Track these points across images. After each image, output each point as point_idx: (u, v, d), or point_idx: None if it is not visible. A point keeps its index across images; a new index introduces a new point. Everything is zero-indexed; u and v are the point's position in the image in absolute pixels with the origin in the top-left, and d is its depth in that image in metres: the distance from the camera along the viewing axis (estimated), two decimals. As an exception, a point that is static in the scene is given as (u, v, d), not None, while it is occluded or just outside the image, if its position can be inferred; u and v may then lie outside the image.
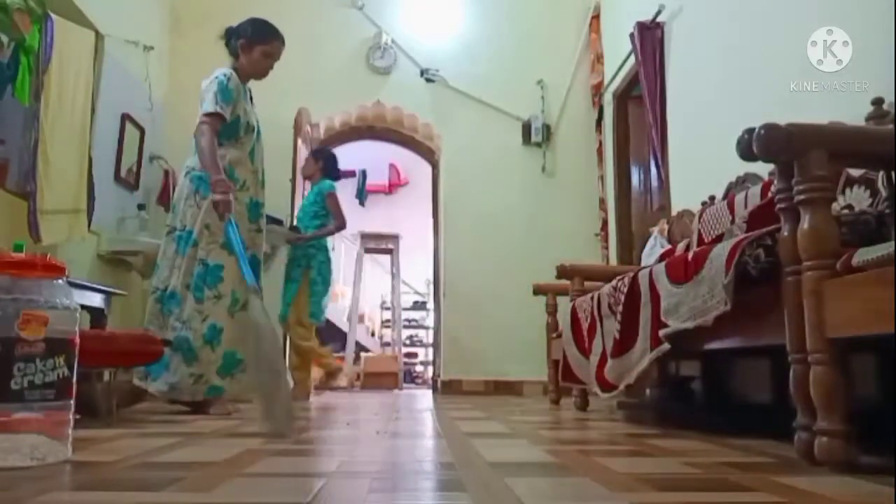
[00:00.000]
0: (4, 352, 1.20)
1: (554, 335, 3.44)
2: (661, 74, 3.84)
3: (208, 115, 2.61)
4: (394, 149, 6.15)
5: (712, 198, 2.88)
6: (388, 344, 8.97)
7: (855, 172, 1.85)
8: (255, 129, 2.84)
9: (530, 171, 5.17)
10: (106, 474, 1.18)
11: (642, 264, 3.01)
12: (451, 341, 5.05)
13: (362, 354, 7.70)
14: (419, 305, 9.39)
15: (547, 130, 5.18)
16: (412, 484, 1.17)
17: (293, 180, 4.60)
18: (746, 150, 1.36)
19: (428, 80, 5.17)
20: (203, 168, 2.61)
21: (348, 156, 7.96)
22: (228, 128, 2.70)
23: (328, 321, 7.94)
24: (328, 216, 4.14)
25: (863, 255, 1.20)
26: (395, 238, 7.89)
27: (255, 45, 2.78)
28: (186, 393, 2.60)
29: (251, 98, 2.89)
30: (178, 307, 2.61)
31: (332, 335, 7.99)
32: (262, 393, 2.06)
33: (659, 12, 3.84)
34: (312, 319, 4.00)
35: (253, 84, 2.91)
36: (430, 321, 8.11)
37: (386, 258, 8.31)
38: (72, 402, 1.30)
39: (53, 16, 3.22)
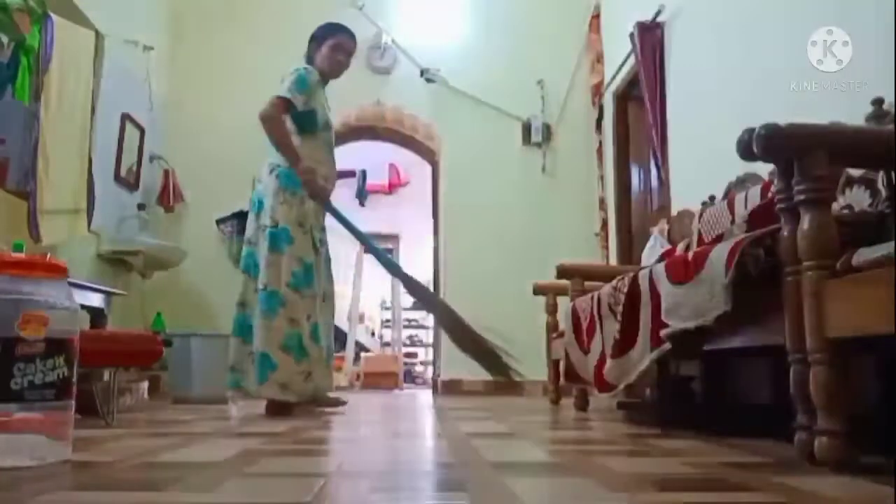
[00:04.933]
0: (4, 352, 1.20)
1: (554, 335, 3.44)
2: (661, 74, 3.84)
3: (278, 97, 2.65)
4: (394, 149, 6.14)
5: (712, 198, 2.87)
6: (388, 344, 8.98)
7: (855, 172, 1.85)
8: (332, 128, 2.92)
9: (530, 171, 5.17)
10: (106, 474, 1.18)
11: (642, 264, 3.00)
12: (451, 341, 5.03)
13: (362, 354, 7.70)
14: (419, 305, 9.39)
15: (547, 130, 5.18)
16: (412, 484, 1.17)
17: (293, 180, 4.60)
18: (746, 150, 1.36)
19: (428, 80, 5.17)
20: (283, 158, 2.66)
21: (348, 156, 7.98)
22: (307, 121, 2.74)
23: (328, 321, 7.97)
24: None
25: (863, 255, 1.20)
26: (395, 238, 7.90)
27: (324, 41, 2.88)
28: (296, 393, 2.58)
29: (327, 99, 2.96)
30: (283, 307, 2.58)
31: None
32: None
33: (659, 12, 3.84)
34: None
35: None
36: (430, 321, 8.10)
37: (386, 258, 8.31)
38: (72, 402, 1.30)
39: (53, 16, 3.22)
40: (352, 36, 2.97)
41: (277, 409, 2.61)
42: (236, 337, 2.69)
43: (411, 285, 2.97)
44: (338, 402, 2.80)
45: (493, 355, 2.72)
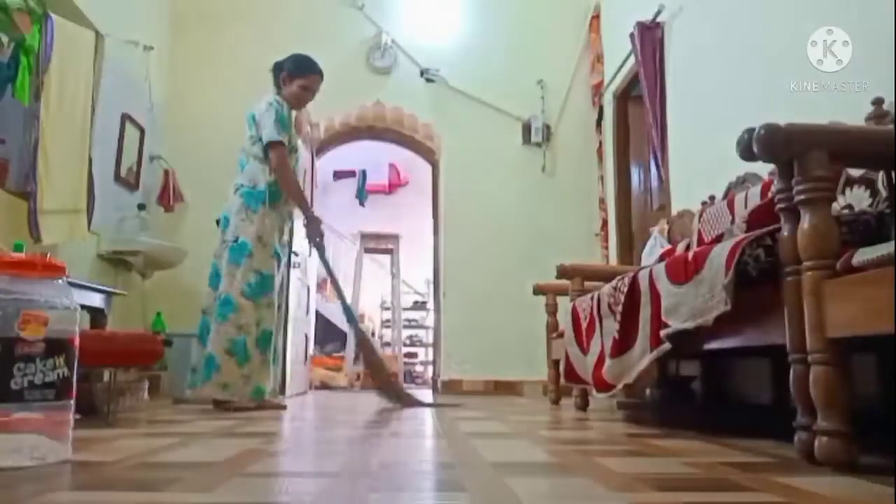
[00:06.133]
0: (4, 352, 1.20)
1: (554, 335, 3.44)
2: (661, 74, 3.84)
3: (276, 143, 2.91)
4: (394, 149, 6.14)
5: (712, 198, 2.87)
6: (388, 344, 8.97)
7: (855, 172, 1.85)
8: (297, 150, 3.15)
9: (530, 171, 5.17)
10: (106, 474, 1.18)
11: (642, 264, 3.00)
12: (451, 341, 5.05)
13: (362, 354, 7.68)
14: (419, 305, 9.38)
15: (547, 130, 5.18)
16: (412, 484, 1.17)
17: (293, 180, 4.60)
18: (746, 150, 1.36)
19: (428, 80, 5.17)
20: (294, 200, 3.03)
21: (348, 156, 7.97)
22: None
23: (328, 321, 7.98)
24: None
25: (863, 255, 1.20)
26: (395, 238, 7.89)
27: (295, 78, 3.04)
28: (238, 394, 2.80)
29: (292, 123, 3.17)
30: (234, 313, 2.82)
31: (333, 335, 8.00)
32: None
33: (659, 12, 3.84)
34: None
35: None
36: (430, 321, 8.10)
37: (386, 258, 8.31)
38: (72, 402, 1.30)
39: (53, 16, 3.22)
40: (321, 76, 3.12)
41: (219, 405, 2.82)
42: (198, 340, 2.93)
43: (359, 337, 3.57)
44: (279, 406, 2.98)
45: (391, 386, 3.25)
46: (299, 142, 3.19)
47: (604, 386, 2.28)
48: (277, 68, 3.09)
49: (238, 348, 2.79)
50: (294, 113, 3.14)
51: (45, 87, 3.15)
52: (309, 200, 3.01)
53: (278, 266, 3.00)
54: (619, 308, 2.18)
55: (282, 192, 2.98)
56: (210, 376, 2.77)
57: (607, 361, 2.25)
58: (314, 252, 4.68)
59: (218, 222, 4.96)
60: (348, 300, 3.32)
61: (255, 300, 2.85)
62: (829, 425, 1.21)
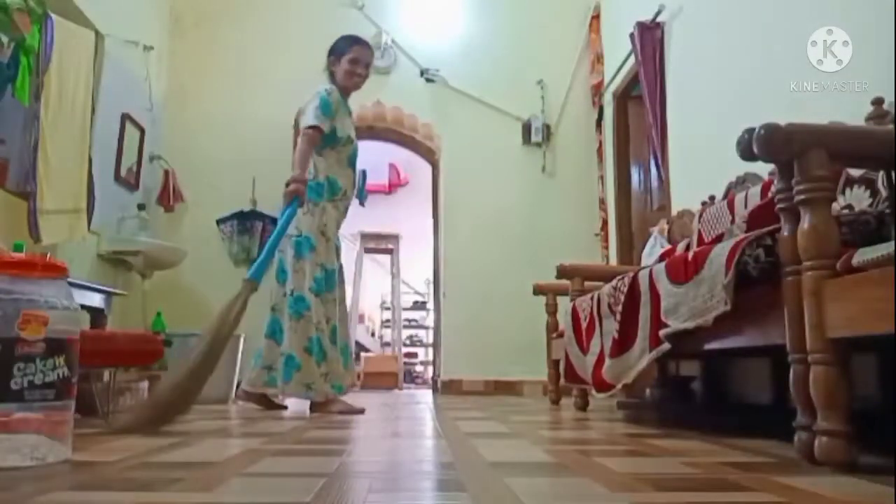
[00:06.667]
0: (4, 352, 1.20)
1: (554, 335, 3.44)
2: (661, 74, 3.84)
3: (309, 127, 2.83)
4: (394, 149, 6.14)
5: (712, 198, 2.87)
6: (388, 344, 8.98)
7: (855, 172, 1.85)
8: (354, 141, 3.04)
9: (530, 171, 5.17)
10: (106, 474, 1.18)
11: (642, 264, 3.00)
12: (451, 341, 5.05)
13: (362, 354, 7.70)
14: (419, 305, 9.39)
15: (547, 130, 5.18)
16: (412, 484, 1.17)
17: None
18: (746, 150, 1.36)
19: (428, 80, 5.17)
20: (294, 166, 2.83)
21: (348, 156, 7.97)
22: (329, 138, 2.90)
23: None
24: None
25: (863, 255, 1.20)
26: (395, 238, 7.89)
27: (342, 55, 2.99)
28: (320, 393, 2.78)
29: (350, 112, 3.09)
30: (308, 310, 2.79)
31: (332, 335, 7.99)
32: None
33: (659, 12, 3.84)
34: None
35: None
36: (430, 321, 8.10)
37: (386, 258, 8.32)
38: (72, 402, 1.30)
39: (53, 16, 3.22)
40: (368, 46, 3.09)
41: (318, 407, 2.80)
42: (268, 339, 2.88)
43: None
44: (353, 410, 2.85)
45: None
46: (353, 131, 3.05)
47: (604, 386, 2.28)
48: (328, 56, 3.06)
49: (315, 346, 2.77)
50: (347, 100, 3.04)
51: (45, 87, 3.15)
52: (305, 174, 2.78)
53: (337, 258, 2.98)
54: (619, 308, 2.18)
55: (341, 186, 2.95)
56: (291, 376, 2.74)
57: (607, 361, 2.25)
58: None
59: (218, 221, 4.98)
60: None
61: (321, 296, 2.83)
62: (829, 425, 1.21)
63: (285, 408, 3.00)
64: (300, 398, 2.82)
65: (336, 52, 3.02)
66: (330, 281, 2.87)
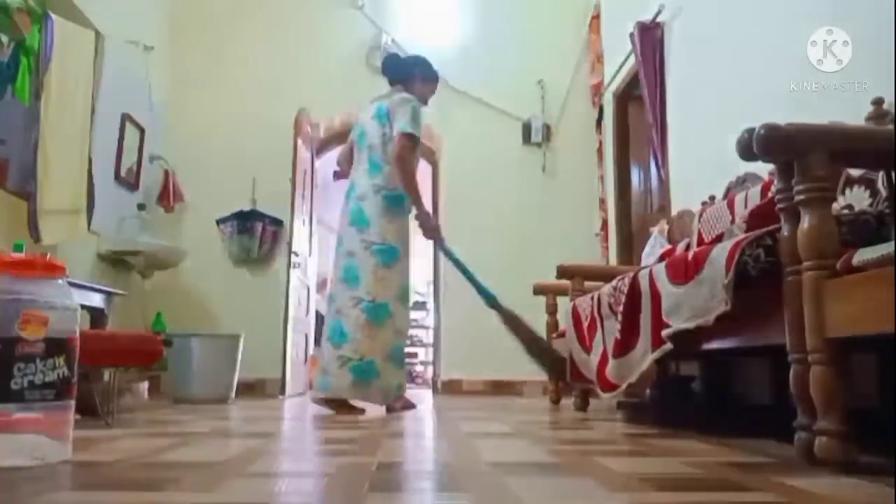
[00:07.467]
0: (4, 352, 1.20)
1: (554, 335, 3.44)
2: (661, 74, 3.84)
3: (410, 136, 2.83)
4: (394, 149, 6.13)
5: (712, 198, 2.87)
6: (387, 344, 8.97)
7: (855, 172, 1.85)
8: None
9: (530, 171, 5.17)
10: (106, 474, 1.18)
11: (642, 264, 3.00)
12: (451, 341, 5.05)
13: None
14: (419, 305, 9.38)
15: (547, 130, 5.18)
16: (412, 484, 1.17)
17: (293, 180, 4.59)
18: (746, 150, 1.36)
19: (428, 80, 5.16)
20: (409, 193, 2.87)
21: (348, 156, 7.95)
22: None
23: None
24: None
25: (863, 255, 1.20)
26: (394, 238, 7.87)
27: (428, 83, 3.14)
28: (392, 397, 2.81)
29: None
30: (391, 318, 2.79)
31: (332, 335, 7.99)
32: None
33: (659, 12, 3.84)
34: None
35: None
36: (430, 321, 8.10)
37: (386, 258, 8.29)
38: (72, 402, 1.30)
39: (53, 16, 3.22)
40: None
41: (390, 408, 2.82)
42: (330, 343, 2.82)
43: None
44: (412, 405, 2.98)
45: (547, 353, 3.07)
46: None
47: (609, 386, 2.28)
48: (406, 68, 3.15)
49: (397, 354, 2.82)
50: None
51: (45, 87, 3.15)
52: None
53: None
54: (620, 308, 2.18)
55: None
56: (371, 382, 2.73)
57: (611, 362, 2.25)
58: (314, 252, 4.68)
59: (219, 221, 4.97)
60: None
61: (405, 305, 2.89)
62: (829, 425, 1.21)
63: (363, 411, 2.84)
64: (377, 404, 2.81)
65: (426, 77, 3.12)
66: (409, 291, 2.94)
